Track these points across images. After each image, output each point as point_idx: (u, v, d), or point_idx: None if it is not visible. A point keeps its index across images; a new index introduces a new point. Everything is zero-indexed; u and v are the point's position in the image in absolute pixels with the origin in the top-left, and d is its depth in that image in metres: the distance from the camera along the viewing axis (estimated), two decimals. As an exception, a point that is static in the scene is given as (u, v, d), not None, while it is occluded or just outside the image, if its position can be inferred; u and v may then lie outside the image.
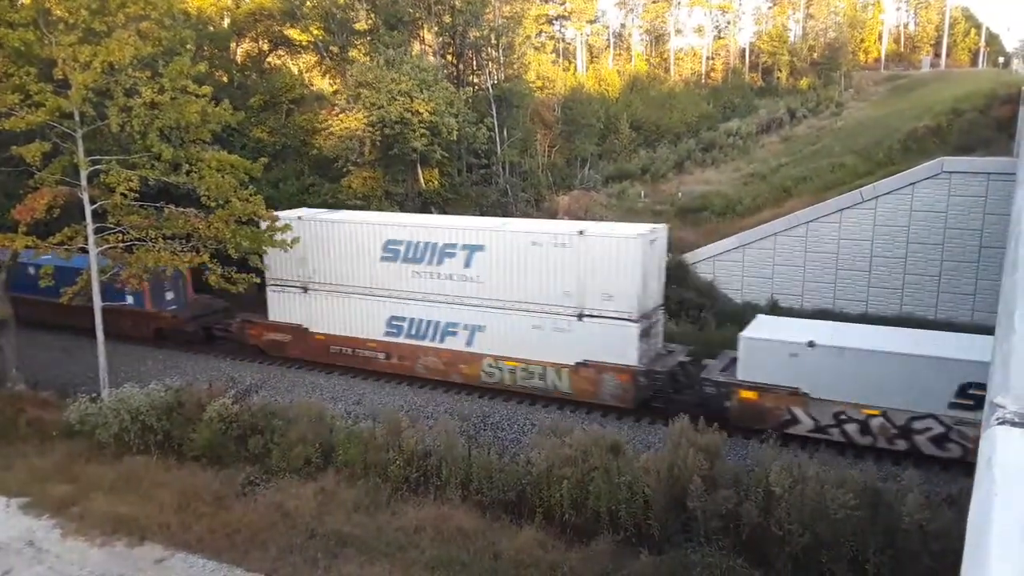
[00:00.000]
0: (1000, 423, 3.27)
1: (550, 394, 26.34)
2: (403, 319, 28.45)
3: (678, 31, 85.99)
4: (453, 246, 27.01)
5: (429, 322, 27.88)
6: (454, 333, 27.58)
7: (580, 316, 25.21)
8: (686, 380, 25.75)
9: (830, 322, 25.68)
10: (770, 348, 22.50)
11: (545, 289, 25.52)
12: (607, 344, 24.79)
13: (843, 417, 22.02)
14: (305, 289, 29.66)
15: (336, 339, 29.81)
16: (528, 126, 50.35)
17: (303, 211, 31.24)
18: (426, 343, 28.13)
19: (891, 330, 24.35)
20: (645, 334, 25.12)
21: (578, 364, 25.50)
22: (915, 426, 21.15)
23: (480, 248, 26.54)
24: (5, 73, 22.59)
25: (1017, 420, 3.25)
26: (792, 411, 22.57)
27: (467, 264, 26.78)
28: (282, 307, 30.64)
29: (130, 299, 31.19)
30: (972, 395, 19.96)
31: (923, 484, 17.35)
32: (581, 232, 25.06)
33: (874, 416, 21.60)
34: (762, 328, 23.92)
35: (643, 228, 25.78)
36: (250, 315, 31.94)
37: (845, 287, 35.01)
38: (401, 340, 28.60)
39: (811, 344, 21.86)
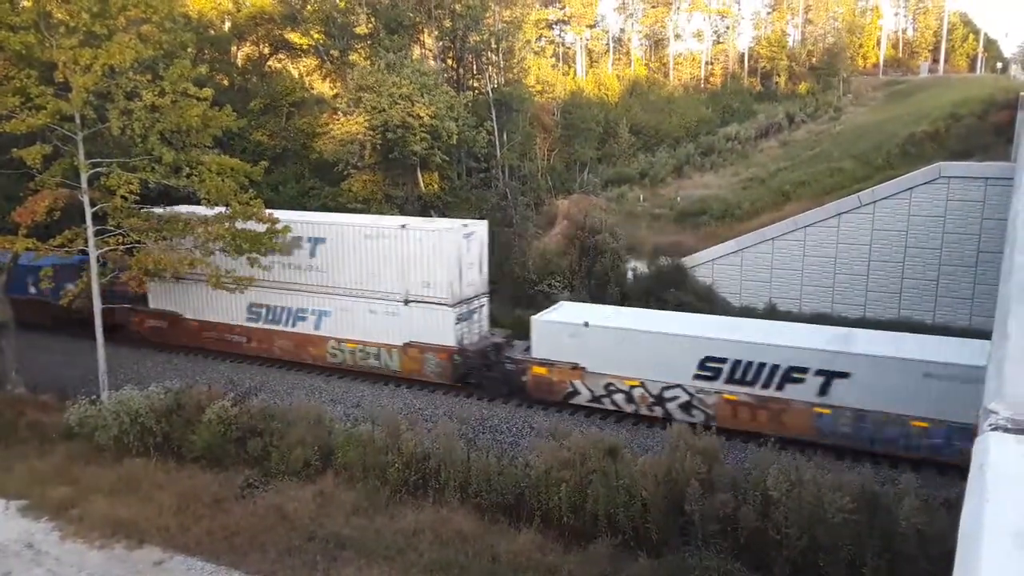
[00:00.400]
0: (993, 429, 3.30)
1: (384, 372, 29.13)
2: (261, 306, 31.06)
3: (677, 36, 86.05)
4: (300, 239, 29.00)
5: (283, 308, 30.58)
6: (304, 318, 30.31)
7: (406, 302, 28.01)
8: (496, 359, 27.85)
9: (619, 308, 29.10)
10: (555, 329, 25.73)
11: (377, 277, 28.24)
12: (428, 327, 27.82)
13: (612, 388, 25.15)
14: (179, 279, 30.53)
15: (206, 325, 32.35)
16: (528, 130, 50.37)
17: (183, 208, 31.87)
18: (280, 327, 30.90)
19: (658, 313, 28.24)
20: (463, 318, 28.01)
21: (405, 344, 28.48)
22: (666, 395, 24.32)
23: (322, 240, 28.86)
24: (6, 76, 22.65)
25: (1010, 426, 3.28)
26: (573, 384, 25.70)
27: (312, 255, 29.10)
28: (160, 296, 32.95)
29: (33, 290, 31.97)
30: (710, 367, 23.46)
31: (920, 488, 17.39)
32: (403, 226, 27.85)
33: (636, 387, 24.73)
34: (554, 312, 27.15)
35: (458, 223, 28.84)
36: (134, 304, 33.37)
37: (843, 291, 35.07)
38: (260, 325, 31.34)
39: (586, 324, 25.00)
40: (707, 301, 35.51)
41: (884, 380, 21.23)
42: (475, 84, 48.18)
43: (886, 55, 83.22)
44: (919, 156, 39.72)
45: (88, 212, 24.37)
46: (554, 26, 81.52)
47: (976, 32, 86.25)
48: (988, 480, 2.94)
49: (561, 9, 78.77)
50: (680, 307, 33.55)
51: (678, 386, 24.02)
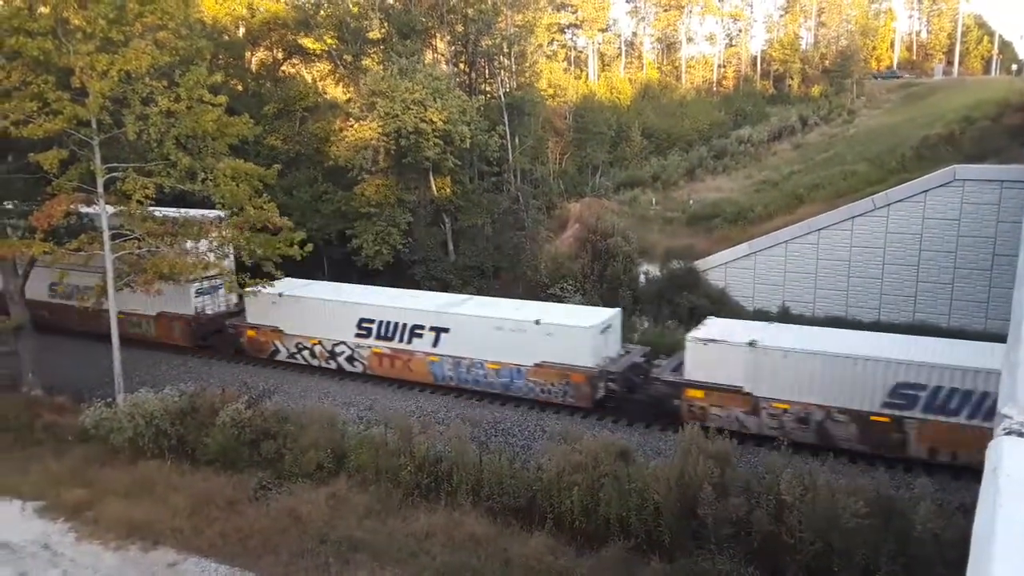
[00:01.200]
0: (1007, 433, 3.26)
1: (146, 337, 34.25)
2: (58, 284, 32.73)
3: (690, 39, 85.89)
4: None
5: (72, 285, 32.32)
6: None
7: None
8: (225, 325, 33.64)
9: (316, 282, 34.22)
10: (262, 299, 30.81)
11: None
12: (174, 300, 32.40)
13: (300, 346, 31.26)
14: None
15: None
16: (540, 134, 50.39)
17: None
18: (70, 303, 33.51)
19: (334, 284, 34.00)
20: (204, 292, 33.39)
21: (158, 314, 33.94)
22: (337, 350, 30.37)
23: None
24: (24, 81, 22.88)
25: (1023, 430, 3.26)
26: (275, 343, 31.81)
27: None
28: None
29: None
30: (364, 327, 29.51)
31: (936, 492, 17.29)
32: None
33: (316, 344, 30.79)
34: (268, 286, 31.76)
35: (198, 213, 31.14)
36: None
37: (857, 294, 34.88)
38: (57, 300, 34.98)
39: (280, 295, 30.65)
40: (720, 304, 35.37)
41: (470, 333, 27.46)
42: (487, 88, 48.22)
43: (900, 57, 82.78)
44: (933, 159, 39.41)
45: (104, 216, 24.60)
46: (566, 30, 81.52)
47: (991, 34, 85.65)
48: (1001, 484, 2.89)
49: (573, 13, 78.75)
50: (693, 310, 33.54)
51: (343, 343, 30.12)
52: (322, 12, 47.46)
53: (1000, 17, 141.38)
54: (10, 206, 27.46)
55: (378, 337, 29.34)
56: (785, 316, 34.63)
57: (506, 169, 46.36)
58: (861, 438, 22.02)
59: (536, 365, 26.56)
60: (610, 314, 27.49)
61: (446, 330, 27.94)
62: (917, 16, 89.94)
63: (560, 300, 35.57)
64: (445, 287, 38.12)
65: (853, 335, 24.91)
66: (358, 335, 29.69)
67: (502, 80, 47.73)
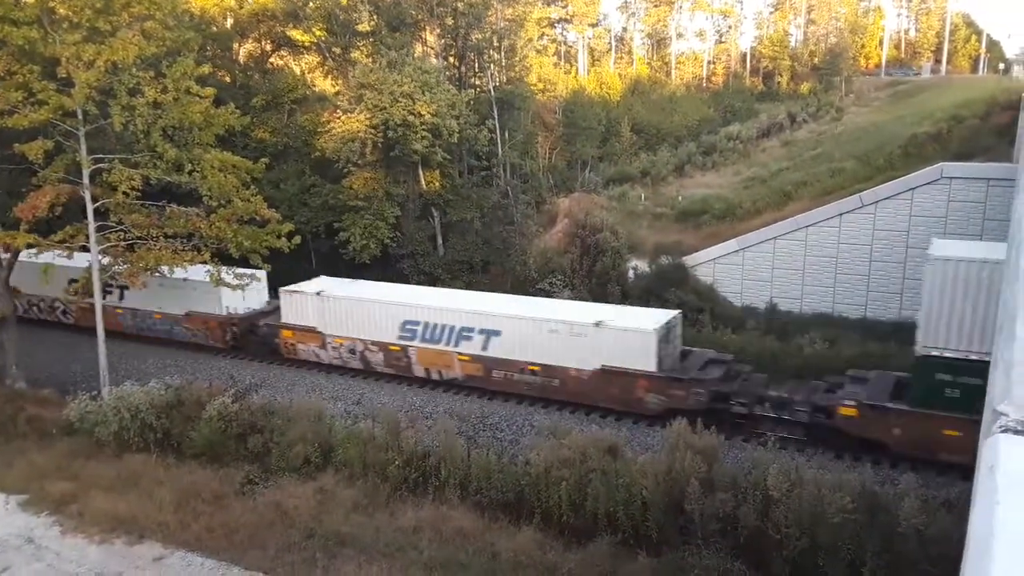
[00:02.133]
0: (1003, 431, 3.25)
1: None
2: None
3: (680, 35, 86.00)
4: None
5: None
6: None
7: None
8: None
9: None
10: (29, 267, 33.59)
11: None
12: None
13: (31, 303, 36.91)
14: None
15: None
16: (529, 128, 50.29)
17: None
18: None
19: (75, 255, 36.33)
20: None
21: None
22: (55, 305, 36.24)
23: None
24: (8, 71, 22.63)
25: (1020, 428, 3.25)
26: (54, 305, 36.74)
27: None
28: None
29: None
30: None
31: (920, 488, 17.39)
32: None
33: (41, 301, 36.46)
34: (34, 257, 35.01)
35: None
36: None
37: (844, 291, 35.05)
38: None
39: (44, 264, 32.66)
40: (708, 300, 35.46)
41: (143, 291, 30.34)
42: (477, 82, 48.05)
43: (888, 55, 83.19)
44: (920, 157, 39.62)
45: (90, 208, 24.37)
46: (556, 25, 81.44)
47: (978, 33, 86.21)
48: (999, 482, 2.88)
49: (563, 8, 78.67)
50: (681, 306, 33.58)
51: (58, 299, 35.35)
52: (311, 4, 47.15)
53: (988, 16, 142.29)
54: None
55: (83, 294, 33.72)
56: (773, 312, 34.79)
57: (495, 164, 46.24)
58: (386, 363, 29.00)
59: (186, 315, 33.36)
60: (249, 273, 32.08)
61: (127, 287, 32.51)
62: (906, 14, 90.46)
63: (549, 294, 35.55)
64: (434, 281, 38.04)
65: (395, 288, 31.70)
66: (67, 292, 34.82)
67: (492, 74, 47.56)
